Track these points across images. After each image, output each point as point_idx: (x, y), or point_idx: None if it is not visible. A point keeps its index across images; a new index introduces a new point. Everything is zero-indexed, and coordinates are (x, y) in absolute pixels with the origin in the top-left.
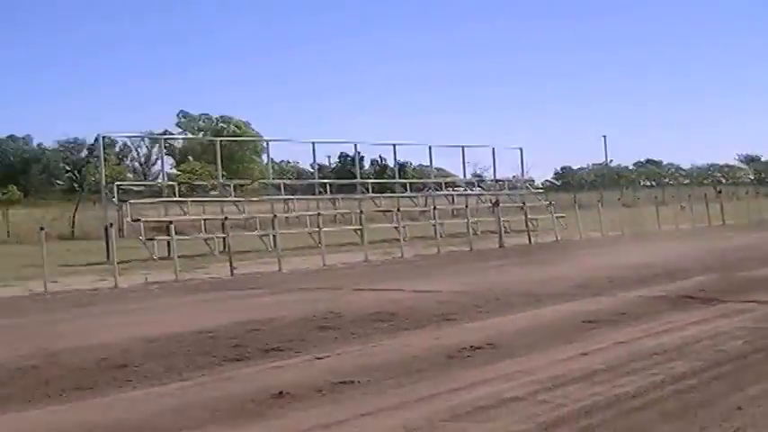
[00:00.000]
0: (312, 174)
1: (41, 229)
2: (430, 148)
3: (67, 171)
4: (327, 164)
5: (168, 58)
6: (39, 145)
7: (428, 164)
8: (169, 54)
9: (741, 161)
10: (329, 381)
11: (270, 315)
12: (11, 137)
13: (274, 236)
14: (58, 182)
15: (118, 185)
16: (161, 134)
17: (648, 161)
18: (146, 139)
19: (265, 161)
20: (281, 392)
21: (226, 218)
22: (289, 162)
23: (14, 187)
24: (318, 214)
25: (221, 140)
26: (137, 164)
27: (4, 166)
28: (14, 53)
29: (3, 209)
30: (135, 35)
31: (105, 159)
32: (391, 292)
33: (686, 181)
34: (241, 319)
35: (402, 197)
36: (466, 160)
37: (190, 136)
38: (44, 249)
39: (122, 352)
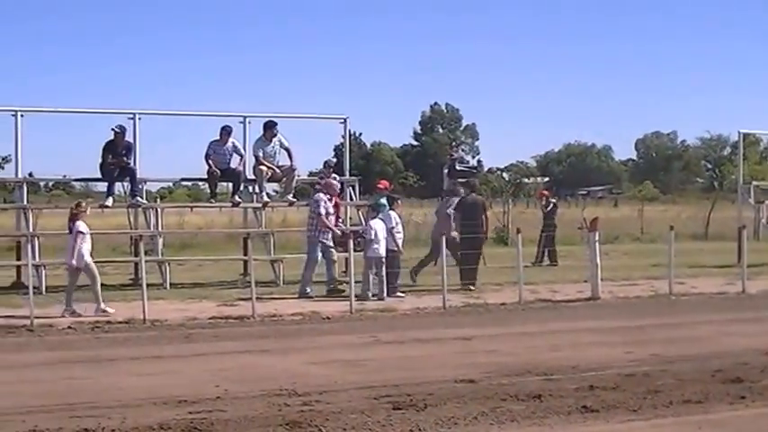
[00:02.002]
0: None
1: (671, 228)
2: None
3: (708, 169)
4: None
5: None
6: (682, 142)
7: None
8: None
9: None
10: None
11: None
12: (656, 133)
13: None
14: (698, 179)
15: (755, 185)
16: None
17: None
18: None
19: None
20: None
21: None
22: None
23: (650, 184)
24: None
25: None
26: None
27: (646, 162)
28: None
29: (638, 206)
30: None
31: (745, 158)
32: None
33: None
34: None
35: None
36: None
37: None
38: (671, 249)
39: (739, 365)
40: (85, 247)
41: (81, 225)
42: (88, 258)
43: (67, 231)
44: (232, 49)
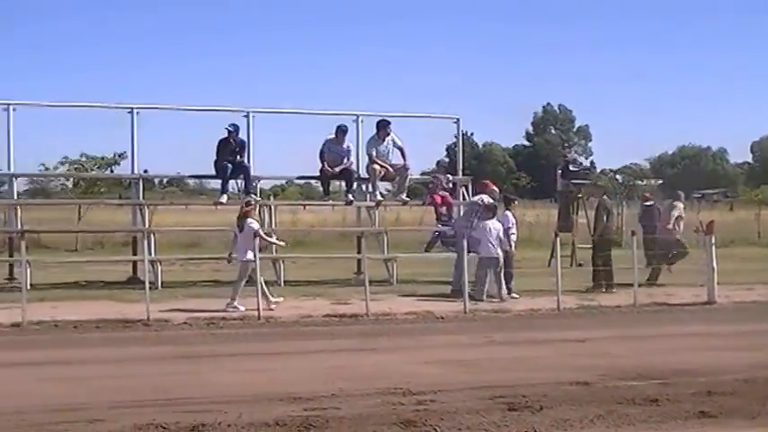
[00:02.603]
0: None
1: None
2: None
3: None
4: None
5: None
6: None
7: None
8: None
9: None
10: None
11: None
12: None
13: None
14: None
15: None
16: None
17: None
18: None
19: None
20: None
21: None
22: None
23: (767, 187)
24: None
25: None
26: None
27: (762, 165)
28: None
29: (755, 209)
30: None
31: None
32: None
33: None
34: None
35: None
36: None
37: None
38: None
39: None
40: (250, 243)
41: (254, 223)
42: (249, 255)
43: (238, 229)
44: (346, 46)
